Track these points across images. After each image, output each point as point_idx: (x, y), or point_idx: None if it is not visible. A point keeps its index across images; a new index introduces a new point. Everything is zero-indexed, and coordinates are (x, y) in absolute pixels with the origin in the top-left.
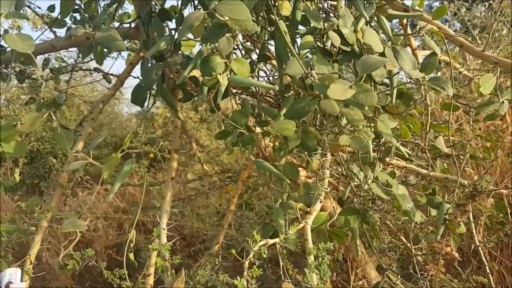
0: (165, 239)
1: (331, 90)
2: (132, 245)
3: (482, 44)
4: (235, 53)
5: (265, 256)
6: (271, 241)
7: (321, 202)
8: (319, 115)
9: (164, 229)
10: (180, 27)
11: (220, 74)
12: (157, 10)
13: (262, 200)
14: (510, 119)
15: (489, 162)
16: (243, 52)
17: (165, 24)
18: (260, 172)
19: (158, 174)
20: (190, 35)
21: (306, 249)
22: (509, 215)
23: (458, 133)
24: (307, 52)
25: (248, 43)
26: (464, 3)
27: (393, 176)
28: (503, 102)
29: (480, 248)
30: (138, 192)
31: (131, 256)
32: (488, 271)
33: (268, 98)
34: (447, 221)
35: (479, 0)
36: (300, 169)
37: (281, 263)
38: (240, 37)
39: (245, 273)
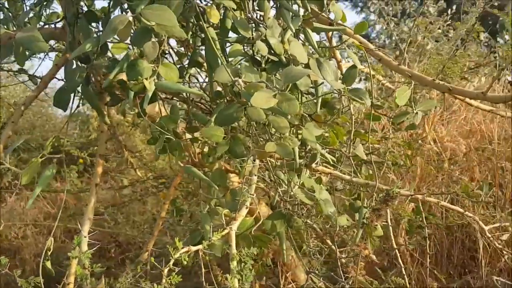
0: (85, 247)
1: (254, 98)
2: (49, 253)
3: (408, 58)
4: (166, 58)
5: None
6: (194, 248)
7: (247, 208)
8: (253, 123)
9: (85, 236)
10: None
11: (146, 78)
12: (84, 11)
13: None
14: (428, 128)
15: (410, 169)
16: (176, 57)
17: (95, 26)
18: (190, 178)
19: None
20: None
21: (230, 255)
22: (425, 220)
23: (382, 142)
24: (242, 59)
25: (182, 49)
26: (393, 18)
27: (319, 182)
28: (417, 113)
29: (397, 250)
30: (71, 198)
31: (48, 264)
32: (404, 272)
33: (200, 104)
34: (365, 225)
35: (406, 16)
36: (233, 175)
37: (203, 270)
38: (174, 42)
39: (164, 281)
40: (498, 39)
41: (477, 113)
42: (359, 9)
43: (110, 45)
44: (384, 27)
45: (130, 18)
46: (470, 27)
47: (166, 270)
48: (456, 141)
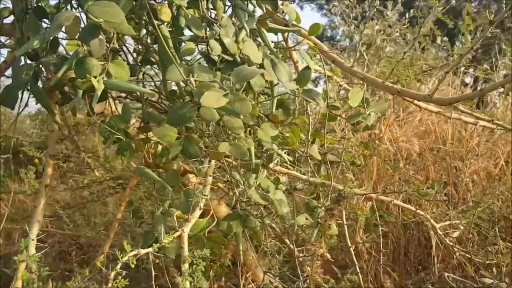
0: (33, 250)
1: (204, 97)
2: None
3: (368, 60)
4: (120, 55)
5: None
6: (143, 251)
7: (200, 209)
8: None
9: (33, 239)
10: None
11: (95, 77)
12: (33, 7)
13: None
14: (384, 129)
15: (365, 168)
16: (130, 55)
17: (47, 22)
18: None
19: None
20: None
21: (181, 257)
22: (381, 218)
23: (341, 142)
24: (200, 58)
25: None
26: (353, 21)
27: (277, 182)
28: (369, 114)
29: (352, 249)
30: (29, 199)
31: None
32: (358, 270)
33: (155, 103)
34: (319, 224)
35: (366, 19)
36: (192, 175)
37: (153, 273)
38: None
39: (110, 284)
40: (457, 42)
41: (432, 114)
42: (324, 11)
43: (65, 42)
44: (346, 30)
45: (79, 14)
46: (426, 31)
47: (112, 274)
48: (410, 141)
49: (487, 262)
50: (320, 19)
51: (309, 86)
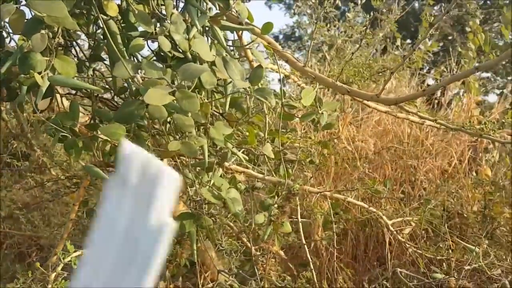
0: None
1: (148, 95)
2: None
3: (328, 60)
4: (70, 51)
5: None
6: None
7: None
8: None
9: None
10: None
11: (40, 72)
12: None
13: None
14: (342, 128)
15: (322, 166)
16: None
17: None
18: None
19: (10, 180)
20: None
21: None
22: (334, 216)
23: (299, 140)
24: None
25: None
26: (315, 21)
27: (234, 181)
28: (322, 113)
29: (305, 246)
30: None
31: None
32: (312, 267)
33: (106, 100)
34: (272, 222)
35: (328, 20)
36: None
37: None
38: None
39: (49, 286)
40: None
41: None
42: (292, 11)
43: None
44: (310, 30)
45: (24, 8)
46: (387, 33)
47: (53, 276)
48: (366, 141)
49: (438, 258)
50: (289, 20)
51: (274, 86)
